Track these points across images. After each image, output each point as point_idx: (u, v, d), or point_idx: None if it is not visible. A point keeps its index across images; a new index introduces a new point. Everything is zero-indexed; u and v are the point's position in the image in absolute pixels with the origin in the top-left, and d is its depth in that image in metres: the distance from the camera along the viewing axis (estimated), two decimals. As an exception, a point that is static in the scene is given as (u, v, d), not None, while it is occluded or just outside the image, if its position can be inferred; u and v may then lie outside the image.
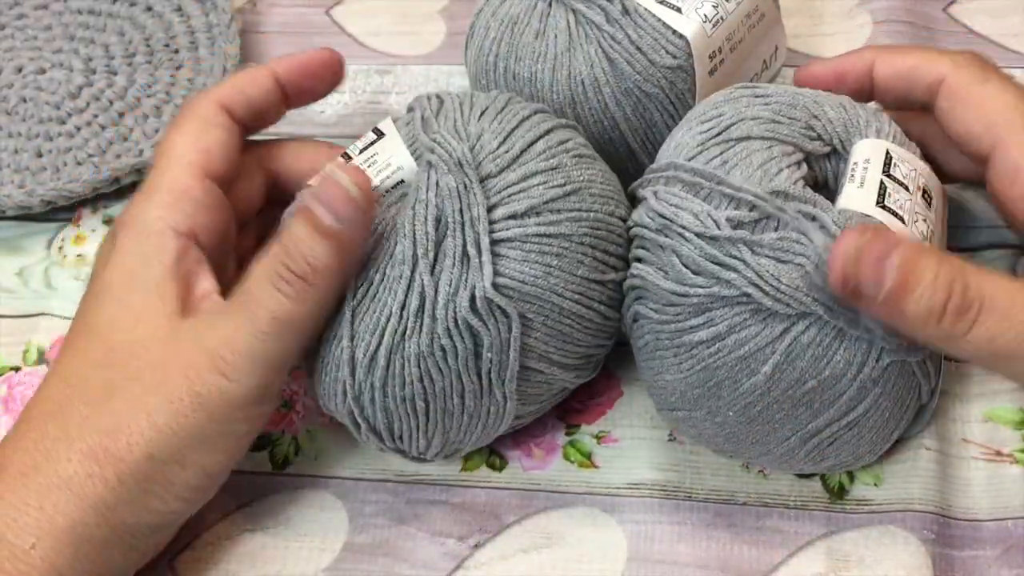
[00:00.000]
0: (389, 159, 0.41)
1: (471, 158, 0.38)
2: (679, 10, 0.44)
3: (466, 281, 0.37)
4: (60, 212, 0.53)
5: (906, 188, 0.39)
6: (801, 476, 0.42)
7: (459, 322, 0.38)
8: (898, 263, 0.34)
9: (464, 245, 0.38)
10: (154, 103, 0.55)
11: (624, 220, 0.40)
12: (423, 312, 0.38)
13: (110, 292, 0.40)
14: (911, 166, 0.40)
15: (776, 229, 0.37)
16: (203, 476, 0.39)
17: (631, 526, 0.42)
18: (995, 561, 0.40)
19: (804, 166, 0.39)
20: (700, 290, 0.37)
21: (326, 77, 0.45)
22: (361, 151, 0.42)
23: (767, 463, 0.41)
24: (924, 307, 0.35)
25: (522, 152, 0.39)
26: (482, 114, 0.41)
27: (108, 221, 0.53)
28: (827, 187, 0.41)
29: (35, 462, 0.37)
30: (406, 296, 0.38)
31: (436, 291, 0.38)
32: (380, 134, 0.42)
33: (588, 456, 0.44)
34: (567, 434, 0.44)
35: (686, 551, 0.41)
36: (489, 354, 0.38)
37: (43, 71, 0.57)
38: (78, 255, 0.52)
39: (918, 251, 0.35)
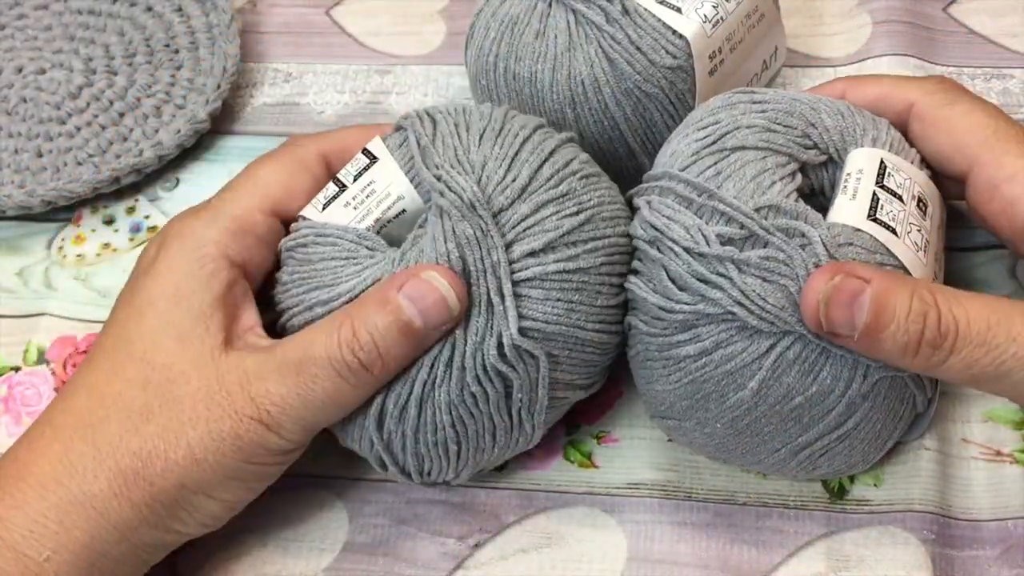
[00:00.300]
0: (388, 188, 0.41)
1: (481, 196, 0.38)
2: (679, 10, 0.44)
3: (492, 329, 0.37)
4: (60, 212, 0.53)
5: (900, 198, 0.39)
6: (801, 476, 0.43)
7: (488, 369, 0.37)
8: (870, 301, 0.34)
9: (488, 293, 0.37)
10: (154, 103, 0.55)
11: (629, 235, 0.40)
12: (452, 363, 0.37)
13: (154, 308, 0.39)
14: (906, 175, 0.40)
15: (764, 247, 0.37)
16: (227, 507, 0.39)
17: (631, 526, 0.42)
18: (995, 561, 0.40)
19: (799, 176, 0.39)
20: (686, 307, 0.37)
21: None
22: (355, 178, 0.41)
23: (760, 470, 0.41)
24: (899, 342, 0.35)
25: (530, 180, 0.39)
26: (481, 137, 0.40)
27: (108, 221, 0.53)
28: (823, 195, 0.41)
29: (57, 475, 0.37)
30: (439, 348, 0.37)
31: (465, 341, 0.37)
32: (372, 157, 0.41)
33: (588, 456, 0.44)
34: (567, 434, 0.44)
35: (686, 551, 0.41)
36: (519, 395, 0.38)
37: (43, 71, 0.57)
38: (78, 255, 0.52)
39: (889, 286, 0.35)
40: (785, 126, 0.40)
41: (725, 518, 0.42)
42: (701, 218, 0.38)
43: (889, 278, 0.35)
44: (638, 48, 0.44)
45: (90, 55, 0.57)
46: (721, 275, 0.36)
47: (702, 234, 0.37)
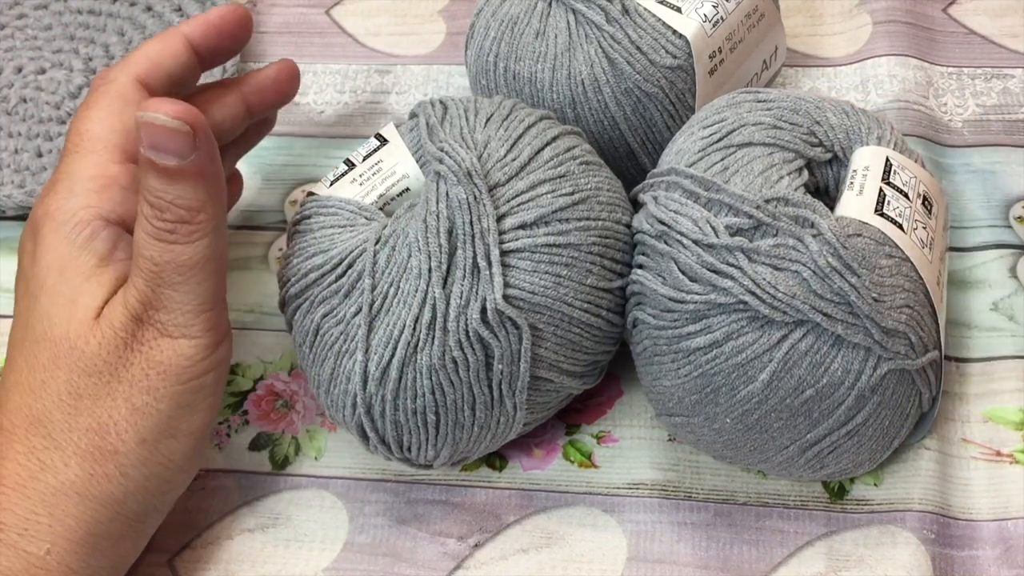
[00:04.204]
0: (394, 166, 0.41)
1: (479, 168, 0.38)
2: (679, 10, 0.44)
3: (477, 293, 0.37)
4: (60, 212, 0.53)
5: (906, 196, 0.39)
6: (801, 476, 0.43)
7: (470, 334, 0.38)
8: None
9: (475, 257, 0.38)
10: (154, 103, 0.55)
11: (629, 227, 0.40)
12: (435, 325, 0.38)
13: (44, 287, 0.38)
14: (911, 173, 0.40)
15: (774, 236, 0.37)
16: (194, 440, 0.39)
17: (631, 526, 0.42)
18: (995, 561, 0.40)
19: (805, 172, 0.39)
20: (697, 297, 0.37)
21: (238, 34, 0.45)
22: (365, 157, 0.42)
23: (766, 470, 0.41)
24: None
25: (530, 160, 0.39)
26: (488, 121, 0.41)
27: (108, 221, 0.53)
28: (827, 194, 0.41)
29: (32, 473, 0.37)
30: (420, 309, 0.38)
31: (448, 304, 0.37)
32: (383, 140, 0.42)
33: (588, 456, 0.44)
34: (567, 434, 0.44)
35: (686, 551, 0.41)
36: (500, 365, 0.38)
37: (43, 71, 0.57)
38: (78, 255, 0.52)
39: None
40: (791, 123, 0.40)
41: (725, 518, 0.42)
42: (710, 211, 0.38)
43: None
44: (638, 48, 0.44)
45: (90, 55, 0.57)
46: (732, 265, 0.37)
47: (710, 226, 0.37)
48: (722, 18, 0.45)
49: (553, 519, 0.42)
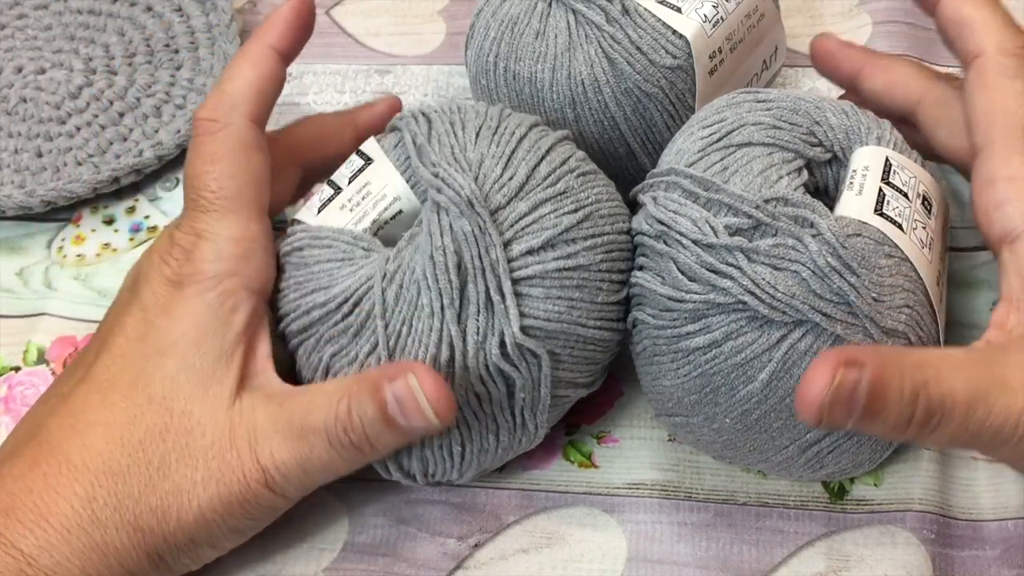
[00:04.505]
0: (384, 189, 0.40)
1: (479, 194, 0.37)
2: (679, 10, 0.44)
3: (493, 327, 0.37)
4: (60, 212, 0.53)
5: (905, 196, 0.39)
6: (801, 476, 0.43)
7: (491, 368, 0.37)
8: (866, 390, 0.33)
9: (487, 291, 0.37)
10: (154, 103, 0.55)
11: (628, 232, 0.40)
12: (454, 363, 0.37)
13: (176, 350, 0.38)
14: (911, 173, 0.40)
15: (774, 235, 0.37)
16: (222, 551, 0.40)
17: (631, 526, 0.42)
18: (995, 561, 0.40)
19: (804, 172, 0.39)
20: (696, 296, 0.37)
21: (311, 23, 0.44)
22: (350, 179, 0.41)
23: (766, 470, 0.41)
24: (891, 424, 0.34)
25: (527, 178, 0.38)
26: (477, 135, 0.40)
27: (108, 221, 0.53)
28: (827, 194, 0.41)
29: (82, 522, 0.37)
30: (437, 348, 0.37)
31: (465, 340, 0.37)
32: (367, 159, 0.41)
33: (588, 456, 0.44)
34: (567, 434, 0.44)
35: (686, 551, 0.41)
36: (522, 394, 0.38)
37: (43, 71, 0.57)
38: (78, 255, 0.52)
39: (884, 372, 0.33)
40: (791, 123, 0.40)
41: (725, 518, 0.42)
42: (709, 211, 0.38)
43: (882, 361, 0.33)
44: (638, 48, 0.44)
45: (90, 55, 0.57)
46: (731, 265, 0.36)
47: (709, 226, 0.37)
48: (722, 18, 0.45)
49: (553, 519, 0.42)
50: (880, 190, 0.38)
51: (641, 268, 0.39)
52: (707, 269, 0.37)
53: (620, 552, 0.41)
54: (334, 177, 0.41)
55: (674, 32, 0.44)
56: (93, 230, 0.53)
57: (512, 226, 0.38)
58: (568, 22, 0.45)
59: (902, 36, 0.54)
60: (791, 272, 0.36)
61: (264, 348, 0.40)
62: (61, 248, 0.52)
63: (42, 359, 0.49)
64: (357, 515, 0.43)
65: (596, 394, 0.44)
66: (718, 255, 0.37)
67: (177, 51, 0.57)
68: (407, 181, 0.40)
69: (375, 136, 0.42)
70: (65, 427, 0.38)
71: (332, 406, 0.37)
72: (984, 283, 0.46)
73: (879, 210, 0.38)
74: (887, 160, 0.39)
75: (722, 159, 0.39)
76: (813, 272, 0.36)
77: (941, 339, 0.39)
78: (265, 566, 0.42)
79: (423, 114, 0.41)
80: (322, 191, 0.41)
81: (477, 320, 0.37)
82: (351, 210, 0.41)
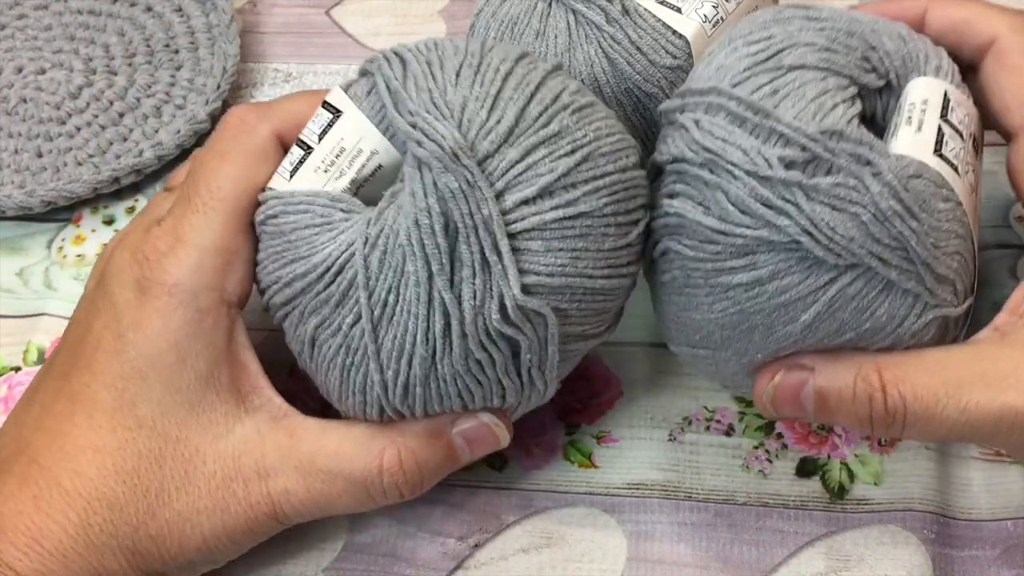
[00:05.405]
0: (359, 144, 0.37)
1: (464, 144, 0.34)
2: (679, 10, 0.44)
3: (491, 289, 0.34)
4: (60, 212, 0.53)
5: (960, 135, 0.37)
6: (801, 476, 0.43)
7: (492, 334, 0.34)
8: (813, 394, 0.36)
9: (482, 251, 0.34)
10: (154, 103, 0.55)
11: (637, 164, 0.37)
12: (451, 331, 0.34)
13: (156, 370, 0.37)
14: (965, 110, 0.38)
15: (829, 173, 0.34)
16: (220, 566, 0.40)
17: (631, 526, 0.42)
18: (995, 561, 0.40)
19: (859, 103, 0.36)
20: (748, 231, 0.34)
21: None
22: (320, 137, 0.37)
23: None
24: (851, 422, 0.36)
25: (517, 121, 0.35)
26: (458, 76, 0.35)
27: (108, 221, 0.53)
28: (874, 124, 0.38)
29: (78, 548, 0.36)
30: (428, 317, 0.34)
31: (460, 306, 0.34)
32: (335, 111, 0.37)
33: (588, 456, 0.44)
34: (567, 434, 0.44)
35: (686, 551, 0.41)
36: (528, 355, 0.36)
37: (43, 71, 0.57)
38: (78, 255, 0.52)
39: (831, 375, 0.35)
40: (846, 46, 0.37)
41: (725, 518, 0.42)
42: (758, 140, 0.35)
43: (831, 365, 0.35)
44: (638, 48, 0.44)
45: (90, 55, 0.57)
46: (788, 201, 0.34)
47: (763, 157, 0.34)
48: (722, 18, 0.45)
49: (553, 519, 0.42)
50: (939, 128, 0.36)
51: (675, 196, 0.37)
52: (762, 204, 0.34)
53: (620, 552, 0.41)
54: (303, 136, 0.38)
55: (674, 32, 0.44)
56: (93, 230, 0.53)
57: (503, 175, 0.34)
58: (568, 22, 0.45)
59: (902, 36, 0.54)
60: (851, 214, 0.34)
61: (253, 364, 0.39)
62: (61, 248, 0.52)
63: (42, 359, 0.49)
64: (357, 515, 0.43)
65: (596, 394, 0.44)
66: (775, 189, 0.34)
67: (177, 51, 0.57)
68: (384, 132, 0.37)
69: (341, 84, 0.38)
70: (54, 448, 0.37)
71: (371, 456, 0.37)
72: (984, 283, 0.46)
73: (938, 150, 0.36)
74: (946, 95, 0.37)
75: (771, 80, 0.36)
76: (874, 216, 0.34)
77: (975, 284, 0.38)
78: (265, 566, 0.42)
79: (396, 55, 0.37)
80: (292, 153, 0.38)
81: (473, 283, 0.34)
82: (325, 171, 0.37)
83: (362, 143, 0.37)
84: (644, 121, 0.45)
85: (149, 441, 0.37)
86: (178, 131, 0.53)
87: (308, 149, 0.37)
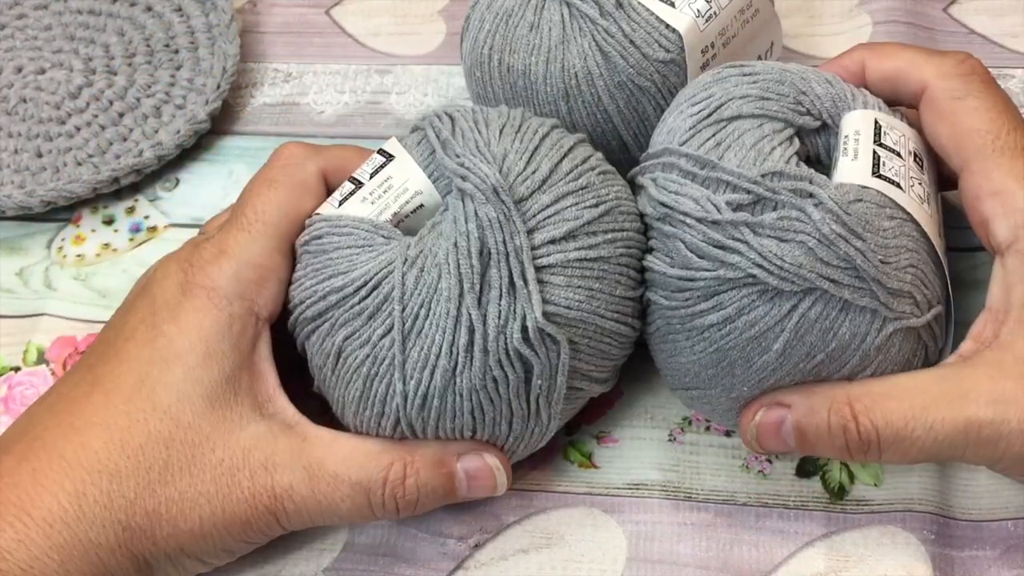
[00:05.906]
0: (405, 183, 0.41)
1: (504, 184, 0.38)
2: (672, 4, 0.44)
3: (515, 312, 0.37)
4: (60, 212, 0.53)
5: (898, 154, 0.39)
6: (801, 476, 0.43)
7: (511, 353, 0.37)
8: (792, 429, 0.38)
9: (511, 276, 0.37)
10: (154, 103, 0.55)
11: (644, 232, 0.40)
12: (473, 346, 0.37)
13: (182, 362, 0.38)
14: (900, 132, 0.40)
15: (775, 208, 0.37)
16: (210, 567, 0.40)
17: (631, 526, 0.42)
18: (995, 561, 0.40)
19: (796, 141, 0.39)
20: (706, 274, 0.37)
21: None
22: (372, 175, 0.41)
23: None
24: (831, 452, 0.38)
25: (550, 173, 0.39)
26: (501, 132, 0.40)
27: (108, 221, 0.53)
28: (820, 162, 0.41)
29: (67, 518, 0.37)
30: (455, 331, 0.37)
31: (485, 323, 0.37)
32: (388, 156, 0.41)
33: (588, 456, 0.44)
34: (567, 434, 0.44)
35: (686, 551, 0.41)
36: (539, 381, 0.38)
37: (43, 71, 0.57)
38: (78, 255, 0.52)
39: (807, 411, 0.38)
40: (777, 94, 0.40)
41: (725, 518, 0.42)
42: (708, 189, 0.38)
43: (807, 401, 0.38)
44: (631, 42, 0.44)
45: (90, 55, 0.57)
46: (738, 240, 0.37)
47: (712, 203, 0.37)
48: (715, 13, 0.45)
49: (553, 519, 0.42)
50: (874, 152, 0.39)
51: (650, 251, 0.40)
52: (714, 246, 0.37)
53: (620, 552, 0.41)
54: (355, 173, 0.41)
55: (667, 26, 0.44)
56: (93, 230, 0.53)
57: (535, 216, 0.38)
58: (562, 15, 0.45)
59: (902, 36, 0.54)
60: (797, 243, 0.37)
61: (272, 377, 0.40)
62: (61, 248, 0.52)
63: (42, 359, 0.49)
64: (357, 515, 0.43)
65: (596, 393, 0.44)
66: (724, 231, 0.37)
67: (177, 51, 0.57)
68: (429, 176, 0.41)
69: (396, 136, 0.42)
70: (64, 425, 0.38)
71: (379, 467, 0.38)
72: (985, 283, 0.46)
73: (876, 172, 0.38)
74: (876, 122, 0.40)
75: (714, 134, 0.39)
76: (819, 241, 0.36)
77: (949, 288, 0.40)
78: (265, 566, 0.42)
79: (446, 113, 0.42)
80: (343, 187, 0.41)
81: (499, 304, 0.37)
82: (372, 203, 0.41)
83: (408, 183, 0.41)
84: (637, 114, 0.45)
85: (161, 423, 0.38)
86: (178, 131, 0.53)
87: (359, 184, 0.41)
